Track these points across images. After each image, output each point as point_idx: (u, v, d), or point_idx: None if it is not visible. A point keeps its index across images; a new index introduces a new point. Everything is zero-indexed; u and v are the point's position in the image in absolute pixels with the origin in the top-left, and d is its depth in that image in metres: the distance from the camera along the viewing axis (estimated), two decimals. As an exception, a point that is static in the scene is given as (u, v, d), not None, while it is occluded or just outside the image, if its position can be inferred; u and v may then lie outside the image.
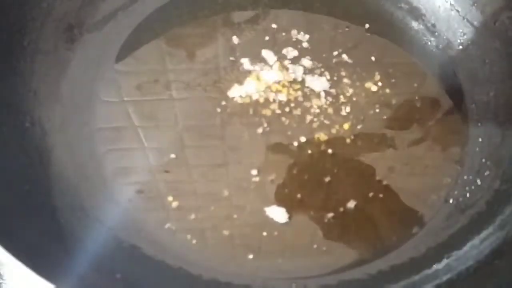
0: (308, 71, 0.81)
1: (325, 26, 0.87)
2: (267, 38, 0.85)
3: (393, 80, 0.81)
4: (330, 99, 0.79)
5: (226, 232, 0.68)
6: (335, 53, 0.84)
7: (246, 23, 0.86)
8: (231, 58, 0.83)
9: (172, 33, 0.85)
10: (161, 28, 0.85)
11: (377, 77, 0.81)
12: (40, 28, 0.76)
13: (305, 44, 0.84)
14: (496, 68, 0.79)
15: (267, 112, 0.77)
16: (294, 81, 0.80)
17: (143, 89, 0.80)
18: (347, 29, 0.87)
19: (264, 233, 0.68)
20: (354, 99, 0.79)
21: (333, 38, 0.86)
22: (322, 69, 0.82)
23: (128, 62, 0.82)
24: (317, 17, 0.88)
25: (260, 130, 0.76)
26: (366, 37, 0.86)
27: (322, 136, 0.75)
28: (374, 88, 0.80)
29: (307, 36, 0.85)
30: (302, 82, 0.80)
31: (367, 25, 0.87)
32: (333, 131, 0.76)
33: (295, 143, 0.75)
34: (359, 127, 0.77)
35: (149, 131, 0.76)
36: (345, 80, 0.81)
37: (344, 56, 0.83)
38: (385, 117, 0.78)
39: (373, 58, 0.83)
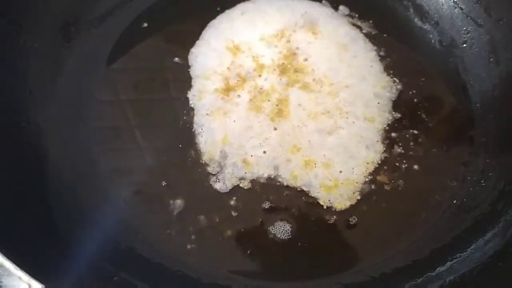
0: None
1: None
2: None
3: (396, 79, 0.80)
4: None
5: (226, 236, 0.68)
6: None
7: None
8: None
9: (169, 29, 0.84)
10: (158, 25, 0.84)
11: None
12: (36, 26, 0.75)
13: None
14: (500, 67, 0.78)
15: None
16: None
17: (140, 87, 0.79)
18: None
19: (264, 238, 0.67)
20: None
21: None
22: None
23: (125, 60, 0.81)
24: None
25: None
26: (369, 35, 0.84)
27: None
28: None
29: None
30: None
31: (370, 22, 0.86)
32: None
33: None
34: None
35: (146, 130, 0.75)
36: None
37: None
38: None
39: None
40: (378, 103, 0.76)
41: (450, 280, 0.63)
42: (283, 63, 0.79)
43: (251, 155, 0.71)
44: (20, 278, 0.50)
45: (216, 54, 0.80)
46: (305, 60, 0.79)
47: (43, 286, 0.49)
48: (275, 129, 0.73)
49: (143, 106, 0.77)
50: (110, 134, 0.75)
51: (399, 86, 0.79)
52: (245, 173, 0.70)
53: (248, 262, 0.66)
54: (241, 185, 0.70)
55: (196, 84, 0.78)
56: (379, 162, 0.72)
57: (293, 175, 0.70)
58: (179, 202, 0.70)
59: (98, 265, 0.62)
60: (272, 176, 0.71)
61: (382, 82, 0.78)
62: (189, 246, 0.67)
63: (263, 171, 0.71)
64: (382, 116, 0.75)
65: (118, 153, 0.74)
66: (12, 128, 0.69)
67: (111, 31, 0.83)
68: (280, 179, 0.70)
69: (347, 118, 0.74)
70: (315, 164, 0.70)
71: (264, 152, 0.72)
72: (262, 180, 0.71)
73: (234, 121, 0.74)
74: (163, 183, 0.71)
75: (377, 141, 0.73)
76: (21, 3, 0.73)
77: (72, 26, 0.80)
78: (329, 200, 0.69)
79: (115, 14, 0.84)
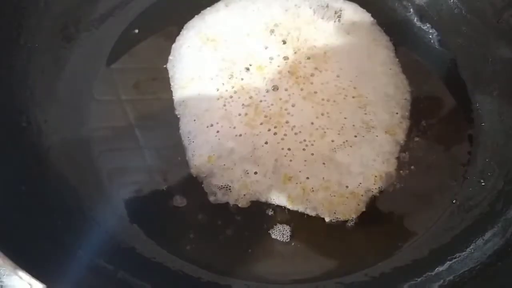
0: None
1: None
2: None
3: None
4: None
5: (226, 236, 0.68)
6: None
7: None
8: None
9: (170, 29, 0.84)
10: (158, 25, 0.85)
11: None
12: (36, 26, 0.75)
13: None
14: (500, 67, 0.78)
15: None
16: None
17: (140, 87, 0.79)
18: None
19: (264, 238, 0.68)
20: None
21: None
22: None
23: (125, 60, 0.81)
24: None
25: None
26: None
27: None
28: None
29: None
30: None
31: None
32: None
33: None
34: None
35: (146, 130, 0.75)
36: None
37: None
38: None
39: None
40: (397, 113, 0.73)
41: (450, 280, 0.63)
42: (285, 63, 0.77)
43: (241, 177, 0.68)
44: (20, 278, 0.50)
45: (195, 57, 0.75)
46: (311, 58, 0.76)
47: (44, 286, 0.49)
48: (266, 143, 0.70)
49: (143, 106, 0.77)
50: (110, 134, 0.75)
51: (409, 89, 0.77)
52: (243, 195, 0.67)
53: (248, 262, 0.66)
54: (240, 205, 0.68)
55: (178, 93, 0.75)
56: (388, 174, 0.70)
57: (290, 198, 0.67)
58: (179, 201, 0.70)
59: (98, 265, 0.62)
60: (268, 202, 0.68)
61: (401, 88, 0.73)
62: (189, 246, 0.67)
63: (258, 195, 0.67)
64: (401, 127, 0.72)
65: (118, 153, 0.74)
66: (12, 128, 0.69)
67: (111, 32, 0.83)
68: (276, 202, 0.68)
69: (368, 132, 0.70)
70: (312, 188, 0.68)
71: (255, 173, 0.67)
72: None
73: (217, 133, 0.69)
74: (163, 183, 0.71)
75: (392, 154, 0.70)
76: (21, 3, 0.73)
77: (72, 26, 0.80)
78: (334, 213, 0.68)
79: (115, 15, 0.84)
